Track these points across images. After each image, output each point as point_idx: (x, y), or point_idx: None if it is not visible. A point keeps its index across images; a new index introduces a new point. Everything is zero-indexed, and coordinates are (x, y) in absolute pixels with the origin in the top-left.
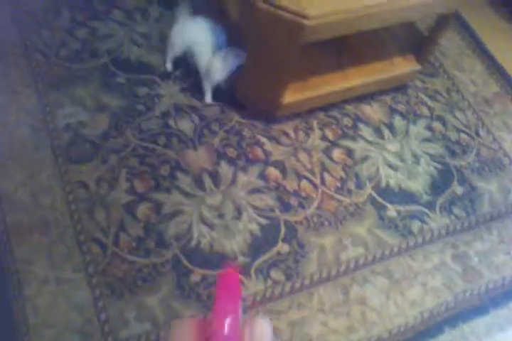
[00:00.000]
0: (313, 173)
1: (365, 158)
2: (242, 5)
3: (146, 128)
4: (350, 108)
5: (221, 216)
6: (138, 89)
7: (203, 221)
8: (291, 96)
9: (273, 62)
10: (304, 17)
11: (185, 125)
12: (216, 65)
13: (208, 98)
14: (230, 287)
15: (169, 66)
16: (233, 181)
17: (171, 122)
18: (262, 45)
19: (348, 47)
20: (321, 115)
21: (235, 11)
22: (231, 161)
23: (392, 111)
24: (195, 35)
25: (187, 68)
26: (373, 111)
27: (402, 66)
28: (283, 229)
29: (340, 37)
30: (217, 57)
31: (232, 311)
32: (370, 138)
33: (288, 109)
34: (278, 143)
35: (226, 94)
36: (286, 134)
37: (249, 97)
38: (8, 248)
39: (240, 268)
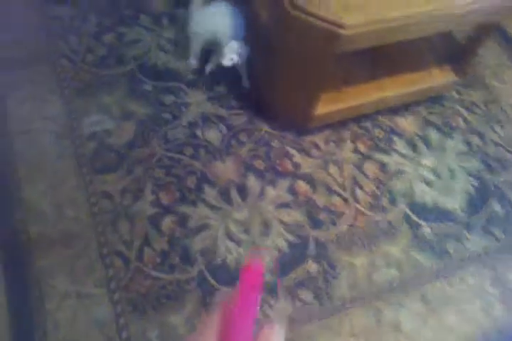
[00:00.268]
0: (344, 188)
1: (399, 173)
2: (273, 10)
3: (172, 138)
4: (383, 119)
5: (247, 231)
6: (164, 97)
7: (229, 236)
8: (323, 107)
9: (305, 72)
10: (340, 26)
11: (213, 135)
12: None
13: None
14: (251, 288)
15: (194, 62)
16: (261, 194)
17: (198, 132)
18: (294, 54)
19: (383, 56)
20: (354, 126)
21: (265, 16)
22: (259, 173)
23: (427, 123)
24: (217, 20)
25: (213, 76)
26: (407, 123)
27: (439, 77)
28: (312, 247)
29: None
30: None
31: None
32: (404, 152)
33: (320, 120)
34: (308, 155)
35: (254, 102)
36: (317, 146)
37: (280, 108)
38: (31, 260)
39: (264, 257)
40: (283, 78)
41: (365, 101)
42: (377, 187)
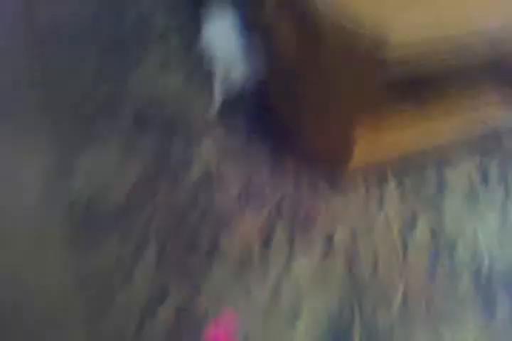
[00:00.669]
0: (393, 250)
1: (458, 233)
2: (302, 30)
3: (179, 194)
4: (432, 169)
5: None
6: (172, 146)
7: None
8: (364, 143)
9: (343, 103)
10: (384, 44)
11: (230, 184)
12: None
13: (215, 108)
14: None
15: (218, 102)
16: (289, 261)
17: (212, 182)
18: (330, 81)
19: (430, 86)
20: (398, 176)
21: (289, 38)
22: (287, 226)
23: (485, 173)
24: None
25: (232, 123)
26: (461, 173)
27: (497, 113)
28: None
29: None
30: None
31: None
32: (461, 208)
33: (359, 161)
34: (346, 202)
35: (277, 140)
36: (357, 193)
37: (311, 147)
38: None
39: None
40: (315, 111)
41: (411, 133)
42: (434, 252)
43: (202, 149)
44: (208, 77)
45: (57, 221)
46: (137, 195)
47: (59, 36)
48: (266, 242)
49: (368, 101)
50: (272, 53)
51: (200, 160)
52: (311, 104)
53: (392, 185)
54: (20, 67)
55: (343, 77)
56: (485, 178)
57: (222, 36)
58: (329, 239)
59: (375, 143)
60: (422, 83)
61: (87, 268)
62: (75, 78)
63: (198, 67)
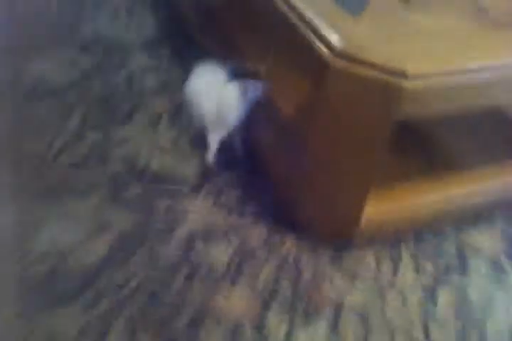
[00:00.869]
0: (412, 326)
1: (488, 305)
2: (305, 67)
3: (161, 256)
4: (450, 232)
5: None
6: (157, 202)
7: None
8: (373, 211)
9: (351, 156)
10: (402, 76)
11: (218, 252)
12: (231, 99)
13: (211, 156)
14: None
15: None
16: None
17: (198, 247)
18: (335, 136)
19: (441, 144)
20: (412, 240)
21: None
22: (284, 308)
23: (510, 241)
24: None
25: (223, 178)
26: (483, 236)
27: None
28: None
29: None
30: (231, 88)
31: None
32: (487, 275)
33: (369, 228)
34: (354, 278)
35: (275, 205)
36: (366, 266)
37: (312, 213)
38: None
39: None
40: (318, 172)
41: (422, 203)
42: (461, 326)
43: (189, 209)
44: (198, 136)
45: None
46: (111, 260)
47: (46, 91)
48: (259, 322)
49: (380, 158)
50: (265, 106)
51: (187, 221)
52: (310, 164)
53: (406, 254)
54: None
55: (351, 128)
56: (510, 247)
57: (211, 89)
58: (335, 317)
59: (385, 209)
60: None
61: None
62: (53, 133)
63: (188, 125)
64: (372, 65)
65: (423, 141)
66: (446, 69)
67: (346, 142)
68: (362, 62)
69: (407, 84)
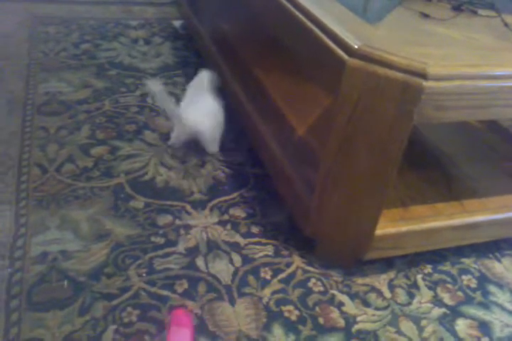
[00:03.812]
0: None
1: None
2: (318, 67)
3: (160, 268)
4: (469, 261)
5: None
6: (158, 216)
7: None
8: (384, 232)
9: (366, 170)
10: (422, 76)
11: (220, 267)
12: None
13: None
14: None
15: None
16: None
17: (199, 262)
18: (345, 151)
19: (459, 167)
20: (427, 267)
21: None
22: (290, 327)
23: None
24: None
25: (230, 194)
26: (504, 266)
27: None
28: None
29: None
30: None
31: None
32: (511, 307)
33: (381, 247)
34: (365, 303)
35: (283, 225)
36: (378, 291)
37: (321, 231)
38: None
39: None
40: (326, 187)
41: (439, 227)
42: None
43: (192, 225)
44: (204, 154)
45: None
46: (107, 269)
47: (57, 106)
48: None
49: (395, 168)
50: (276, 121)
51: (188, 237)
52: (321, 181)
53: (422, 281)
54: None
55: (367, 134)
56: None
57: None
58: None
59: (400, 230)
60: (446, 167)
61: None
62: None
63: (195, 145)
64: (391, 65)
65: (443, 164)
66: (469, 72)
67: (361, 151)
68: (380, 62)
69: (428, 84)
